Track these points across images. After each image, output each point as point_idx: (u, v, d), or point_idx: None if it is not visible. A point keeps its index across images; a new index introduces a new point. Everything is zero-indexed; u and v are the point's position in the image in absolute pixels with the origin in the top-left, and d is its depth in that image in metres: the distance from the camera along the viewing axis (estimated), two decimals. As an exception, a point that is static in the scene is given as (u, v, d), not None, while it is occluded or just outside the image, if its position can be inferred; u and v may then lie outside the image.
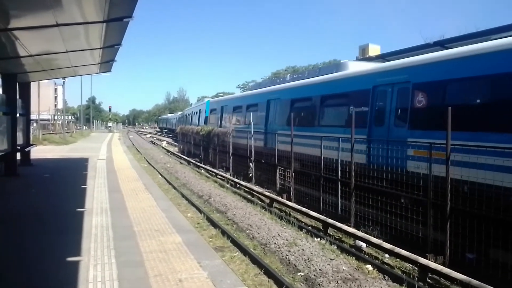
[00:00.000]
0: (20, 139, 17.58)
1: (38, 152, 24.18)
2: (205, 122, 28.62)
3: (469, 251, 7.12)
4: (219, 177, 18.89)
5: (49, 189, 13.24)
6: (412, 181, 8.32)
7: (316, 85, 14.44)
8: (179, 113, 64.92)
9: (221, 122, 24.85)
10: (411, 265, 7.48)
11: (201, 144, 26.26)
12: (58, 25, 8.91)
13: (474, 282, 6.10)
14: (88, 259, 6.51)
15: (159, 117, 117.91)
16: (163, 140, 54.66)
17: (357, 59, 17.21)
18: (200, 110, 32.23)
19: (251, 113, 18.22)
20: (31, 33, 9.73)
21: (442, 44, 11.23)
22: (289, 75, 19.57)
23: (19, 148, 17.16)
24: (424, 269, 6.96)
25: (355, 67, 12.92)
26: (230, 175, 18.37)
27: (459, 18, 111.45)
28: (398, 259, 7.83)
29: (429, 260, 7.17)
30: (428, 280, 6.91)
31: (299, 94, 15.62)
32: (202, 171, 21.79)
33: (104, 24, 9.18)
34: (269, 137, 17.11)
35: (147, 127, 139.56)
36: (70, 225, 8.64)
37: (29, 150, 19.50)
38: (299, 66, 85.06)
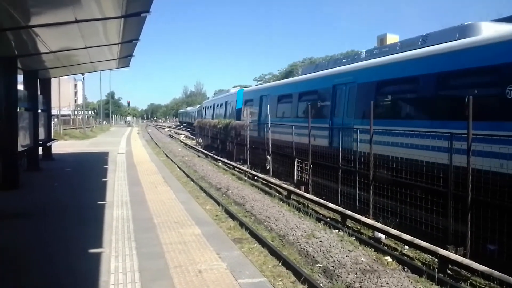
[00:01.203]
0: (41, 134, 17.98)
1: (59, 146, 24.67)
2: (237, 116, 24.26)
3: (491, 242, 7.02)
4: (237, 169, 18.98)
5: (71, 183, 13.52)
6: (432, 172, 8.21)
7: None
8: (198, 106, 61.84)
9: (260, 115, 20.84)
10: (431, 257, 7.42)
11: (218, 137, 26.44)
12: (77, 21, 9.05)
13: (496, 273, 6.02)
14: (110, 251, 6.64)
15: (179, 110, 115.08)
16: (181, 134, 55.06)
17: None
18: (226, 101, 28.62)
19: (317, 103, 14.62)
20: (51, 29, 9.89)
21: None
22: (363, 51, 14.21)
23: (41, 143, 17.54)
24: (444, 260, 6.89)
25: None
26: (247, 168, 18.44)
27: (480, 4, 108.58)
28: (417, 251, 7.77)
29: (449, 251, 7.10)
30: (449, 272, 6.83)
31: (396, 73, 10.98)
32: (220, 164, 21.90)
33: (122, 19, 9.27)
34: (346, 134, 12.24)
35: (161, 121, 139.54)
36: (91, 218, 8.82)
37: (51, 145, 19.92)
38: (316, 57, 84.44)
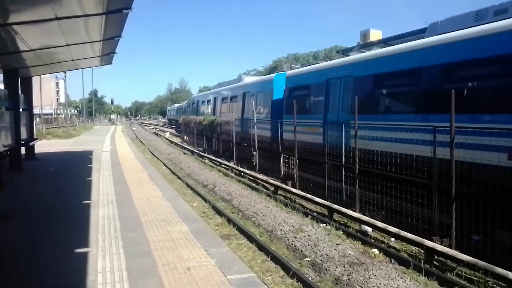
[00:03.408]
0: (24, 134, 17.65)
1: (42, 146, 24.28)
2: (271, 112, 17.22)
3: (475, 233, 7.14)
4: (223, 166, 18.94)
5: (55, 183, 13.32)
6: (417, 165, 8.30)
7: None
8: (185, 102, 50.49)
9: (327, 109, 13.09)
10: (417, 248, 7.51)
11: (204, 134, 26.22)
12: (57, 18, 8.91)
13: (481, 263, 6.13)
14: (97, 250, 6.58)
15: (168, 107, 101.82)
16: (166, 131, 54.70)
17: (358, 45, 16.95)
18: (244, 93, 21.03)
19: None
20: (31, 27, 9.72)
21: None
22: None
23: (23, 142, 17.24)
24: (430, 251, 6.99)
25: None
26: (234, 164, 18.41)
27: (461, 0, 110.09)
28: (404, 243, 7.86)
29: (435, 242, 7.20)
30: (435, 263, 6.93)
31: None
32: (206, 160, 21.83)
33: (104, 16, 9.16)
34: None
35: (146, 119, 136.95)
36: (77, 218, 8.72)
37: (33, 145, 19.59)
38: (300, 53, 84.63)
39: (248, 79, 23.25)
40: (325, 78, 13.12)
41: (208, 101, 29.80)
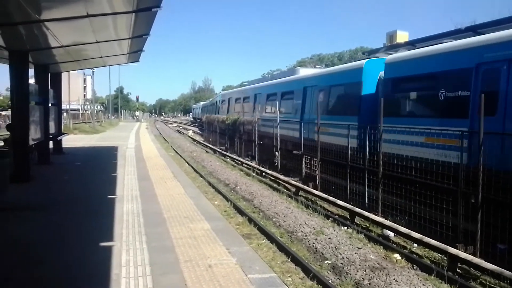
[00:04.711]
0: (52, 128, 18.13)
1: (69, 141, 24.85)
2: (360, 112, 12.66)
3: (501, 241, 6.98)
4: (245, 165, 19.01)
5: (81, 177, 13.63)
6: (443, 170, 8.15)
7: None
8: (225, 94, 36.45)
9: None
10: (440, 255, 7.40)
11: (226, 133, 26.31)
12: (88, 16, 9.10)
13: (507, 273, 5.99)
14: (121, 244, 6.70)
15: (193, 106, 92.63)
16: (189, 129, 55.19)
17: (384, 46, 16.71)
18: (305, 88, 16.58)
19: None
20: (63, 24, 9.95)
21: (474, 29, 10.89)
22: None
23: (51, 137, 17.69)
24: (453, 259, 6.87)
25: None
26: (255, 164, 18.46)
27: (492, 2, 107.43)
28: (426, 249, 7.75)
29: (459, 250, 7.08)
30: (458, 270, 6.82)
31: None
32: (228, 159, 21.94)
33: (133, 14, 9.31)
34: None
35: (170, 117, 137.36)
36: (102, 212, 8.90)
37: (61, 139, 20.07)
38: (324, 54, 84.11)
39: (307, 71, 19.15)
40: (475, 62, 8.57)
41: (245, 98, 26.01)
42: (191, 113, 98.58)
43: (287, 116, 17.66)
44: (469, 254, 6.94)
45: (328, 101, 14.82)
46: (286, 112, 18.15)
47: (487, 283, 6.35)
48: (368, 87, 12.51)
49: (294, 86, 18.00)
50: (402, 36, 18.85)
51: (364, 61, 13.16)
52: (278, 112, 17.24)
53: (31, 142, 13.62)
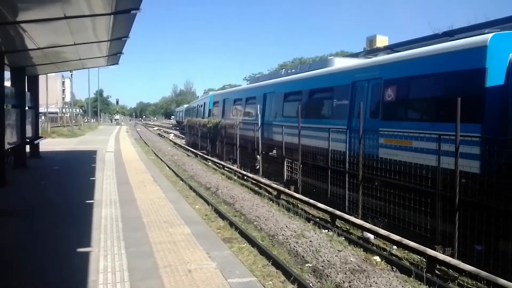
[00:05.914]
0: (29, 132, 17.74)
1: (46, 144, 24.36)
2: (485, 115, 7.83)
3: (478, 243, 7.09)
4: (226, 169, 18.93)
5: (59, 181, 13.37)
6: (421, 173, 8.27)
7: None
8: (217, 94, 30.92)
9: None
10: (419, 257, 7.48)
11: (208, 136, 26.18)
12: (66, 17, 8.96)
13: (483, 273, 6.09)
14: (99, 250, 6.58)
15: (176, 109, 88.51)
16: (170, 133, 54.79)
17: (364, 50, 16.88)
18: (354, 83, 11.87)
19: None
20: (39, 25, 9.79)
21: (451, 34, 11.13)
22: None
23: (28, 140, 17.32)
24: (432, 260, 6.95)
25: None
26: (237, 167, 18.41)
27: (468, 8, 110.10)
28: (406, 251, 7.82)
29: (437, 251, 7.16)
30: (437, 272, 6.89)
31: None
32: (209, 163, 21.83)
33: (112, 16, 9.21)
34: None
35: (151, 120, 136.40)
36: (80, 217, 8.74)
37: (38, 143, 19.69)
38: (306, 57, 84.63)
39: (348, 62, 13.98)
40: None
41: (248, 99, 21.23)
42: (172, 116, 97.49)
43: (314, 122, 13.50)
44: (447, 255, 7.03)
45: (407, 98, 10.18)
46: (316, 117, 13.89)
47: (465, 284, 6.44)
48: (496, 76, 7.86)
49: (335, 81, 13.06)
50: (382, 41, 19.10)
51: (489, 35, 8.05)
52: (299, 117, 12.82)
53: (6, 146, 13.30)
